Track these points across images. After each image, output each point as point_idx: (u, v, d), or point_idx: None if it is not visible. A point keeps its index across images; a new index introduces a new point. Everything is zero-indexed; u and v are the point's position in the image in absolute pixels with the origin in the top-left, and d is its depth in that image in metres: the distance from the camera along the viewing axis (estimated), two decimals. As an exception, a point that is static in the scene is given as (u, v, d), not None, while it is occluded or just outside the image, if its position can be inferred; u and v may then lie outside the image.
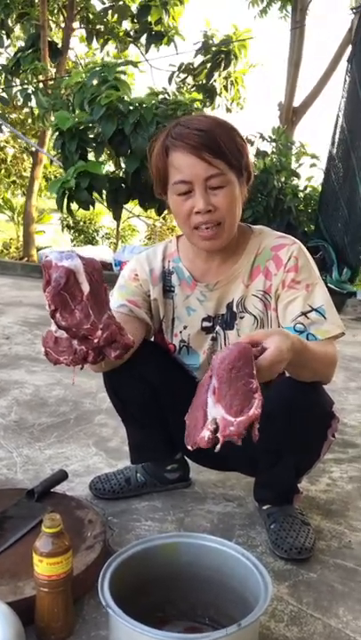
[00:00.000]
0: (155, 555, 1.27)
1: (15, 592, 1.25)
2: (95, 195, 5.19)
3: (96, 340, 1.15)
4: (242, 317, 1.54)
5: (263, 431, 1.47)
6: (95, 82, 5.10)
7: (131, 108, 4.86)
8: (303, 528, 1.57)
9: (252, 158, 1.48)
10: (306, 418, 1.43)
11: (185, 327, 1.60)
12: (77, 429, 2.35)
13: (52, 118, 5.43)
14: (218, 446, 1.10)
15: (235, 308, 1.54)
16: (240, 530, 1.66)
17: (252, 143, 5.86)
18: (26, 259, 8.70)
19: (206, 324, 1.58)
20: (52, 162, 5.95)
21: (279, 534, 1.54)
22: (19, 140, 10.06)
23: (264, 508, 1.65)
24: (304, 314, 1.44)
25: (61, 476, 1.74)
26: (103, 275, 1.20)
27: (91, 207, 5.18)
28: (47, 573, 1.17)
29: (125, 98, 4.93)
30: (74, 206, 5.21)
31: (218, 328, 1.57)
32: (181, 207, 1.41)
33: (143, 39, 8.19)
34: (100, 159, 5.45)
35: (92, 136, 5.22)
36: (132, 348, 1.21)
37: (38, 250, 9.17)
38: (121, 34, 8.46)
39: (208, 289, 1.55)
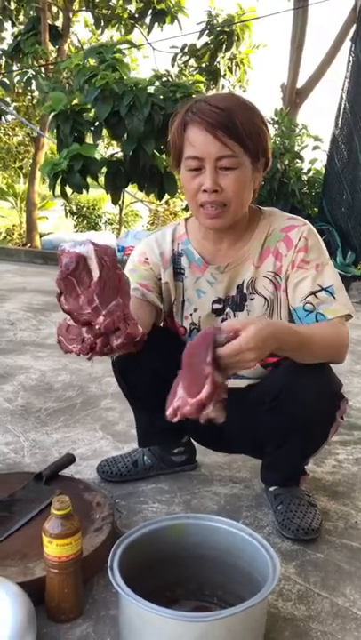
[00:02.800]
0: (162, 536, 1.28)
1: (25, 573, 1.26)
2: (91, 179, 5.14)
3: (97, 327, 1.15)
4: (252, 299, 1.54)
5: (270, 412, 1.48)
6: (93, 62, 5.04)
7: (126, 89, 4.79)
8: (310, 509, 1.58)
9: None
10: (314, 400, 1.43)
11: (195, 310, 1.60)
12: (84, 413, 2.36)
13: (47, 102, 5.36)
14: (176, 419, 1.18)
15: (245, 290, 1.54)
16: (247, 511, 1.67)
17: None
18: (29, 245, 8.68)
19: (217, 305, 1.57)
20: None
21: (286, 515, 1.56)
22: (24, 128, 10.00)
23: (271, 489, 1.66)
24: (313, 293, 1.44)
25: (69, 460, 1.75)
26: (118, 262, 1.18)
27: (84, 191, 5.12)
28: (57, 554, 1.18)
29: (124, 77, 4.86)
30: (68, 190, 5.16)
31: (228, 310, 1.57)
32: (190, 183, 1.41)
33: (147, 20, 8.07)
34: (99, 142, 5.39)
35: (89, 118, 5.16)
36: (137, 340, 1.20)
37: (41, 236, 9.15)
38: (125, 16, 8.34)
39: (218, 271, 1.55)
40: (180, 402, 1.17)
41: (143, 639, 1.09)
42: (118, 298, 1.17)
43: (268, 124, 1.45)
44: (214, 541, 1.29)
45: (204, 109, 1.35)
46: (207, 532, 1.29)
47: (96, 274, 1.14)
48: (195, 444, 1.88)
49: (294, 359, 1.39)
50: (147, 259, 1.59)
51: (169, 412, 1.19)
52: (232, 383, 1.63)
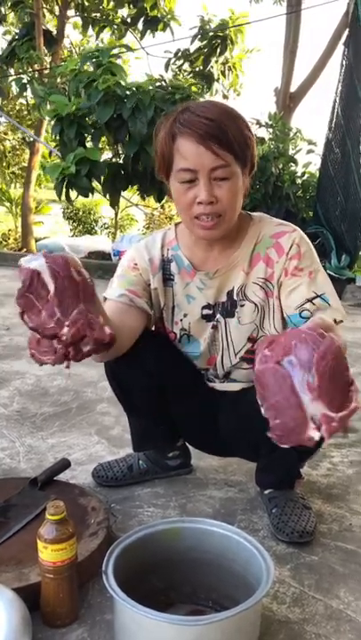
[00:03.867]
0: (158, 540, 1.28)
1: (20, 578, 1.27)
2: (96, 182, 5.16)
3: (64, 338, 1.15)
4: (242, 305, 1.54)
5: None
6: (89, 67, 5.06)
7: (128, 92, 4.82)
8: (305, 512, 1.58)
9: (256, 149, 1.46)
10: None
11: (185, 315, 1.60)
12: (79, 418, 2.37)
13: (49, 107, 5.36)
14: (325, 444, 1.08)
15: (235, 297, 1.55)
16: (242, 514, 1.68)
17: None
18: (24, 250, 8.67)
19: (206, 311, 1.58)
20: (50, 153, 5.93)
21: (281, 518, 1.56)
22: (17, 132, 9.99)
23: (266, 492, 1.67)
24: (309, 300, 1.45)
25: (64, 465, 1.75)
26: (74, 269, 1.17)
27: (90, 194, 5.14)
28: (52, 560, 1.19)
29: (122, 82, 4.88)
30: (73, 194, 5.18)
31: (218, 316, 1.57)
32: (184, 196, 1.41)
33: (140, 25, 8.09)
34: (98, 146, 5.40)
35: (89, 122, 5.18)
36: (106, 342, 1.19)
37: (37, 241, 9.13)
38: (117, 21, 8.37)
39: (208, 277, 1.55)
40: (324, 420, 1.03)
41: (138, 643, 1.09)
42: (80, 305, 1.17)
43: (259, 127, 1.46)
44: (209, 545, 1.29)
45: (194, 121, 1.35)
46: (202, 536, 1.30)
47: (52, 286, 1.15)
48: (190, 447, 1.88)
49: None
50: (136, 264, 1.60)
51: (310, 438, 1.04)
52: (226, 387, 1.64)
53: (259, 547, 1.21)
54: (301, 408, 1.05)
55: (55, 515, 1.19)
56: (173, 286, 1.60)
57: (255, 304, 1.53)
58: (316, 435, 1.04)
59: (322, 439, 1.04)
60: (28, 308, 1.16)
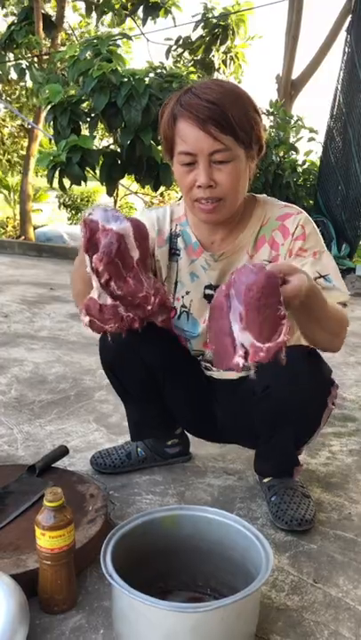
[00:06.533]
0: (156, 527, 1.28)
1: (18, 565, 1.26)
2: (88, 170, 5.12)
3: (149, 307, 1.11)
4: None
5: (262, 402, 1.48)
6: (89, 55, 5.00)
7: (123, 80, 4.77)
8: (304, 500, 1.58)
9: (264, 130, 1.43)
10: (306, 385, 1.42)
11: (187, 292, 1.59)
12: (78, 406, 2.36)
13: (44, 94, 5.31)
14: (252, 372, 1.13)
15: None
16: (240, 503, 1.67)
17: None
18: (23, 237, 8.64)
19: (209, 291, 1.57)
20: (50, 140, 5.86)
21: (280, 506, 1.56)
22: (15, 119, 9.90)
23: (265, 480, 1.66)
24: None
25: (62, 452, 1.74)
26: (149, 239, 1.15)
27: (83, 183, 5.10)
28: (49, 546, 1.18)
29: (119, 69, 4.83)
30: (66, 182, 5.14)
31: None
32: (184, 178, 1.39)
33: (140, 12, 8.01)
34: (95, 133, 5.35)
35: (85, 110, 5.14)
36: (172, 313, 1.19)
37: (35, 228, 9.09)
38: (117, 6, 8.27)
39: (213, 259, 1.54)
40: (252, 349, 1.10)
41: (136, 630, 1.09)
42: (150, 272, 1.14)
43: (260, 111, 1.43)
44: (208, 533, 1.28)
45: (194, 103, 1.33)
46: (201, 524, 1.29)
47: (136, 254, 1.09)
48: (188, 435, 1.87)
49: (309, 329, 1.36)
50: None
51: (236, 364, 1.11)
52: (223, 375, 1.63)
53: (258, 534, 1.20)
54: (231, 335, 1.11)
55: (53, 501, 1.18)
56: (178, 261, 1.58)
57: None
58: (240, 361, 1.10)
59: None
60: (115, 274, 1.09)
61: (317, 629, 1.21)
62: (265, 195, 1.58)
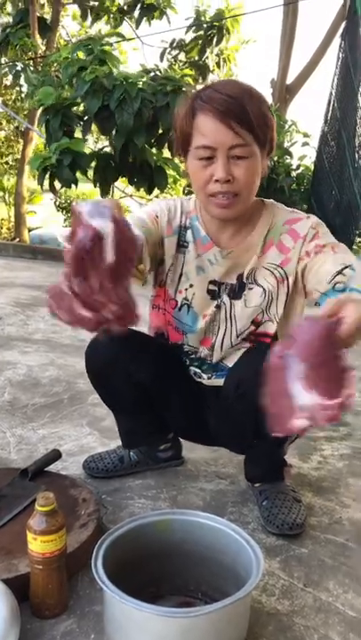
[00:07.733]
0: (148, 531, 1.28)
1: (10, 569, 1.26)
2: (80, 173, 5.11)
3: (108, 316, 1.10)
4: (251, 289, 1.54)
5: (238, 402, 1.46)
6: (82, 55, 5.01)
7: (116, 83, 4.78)
8: (295, 504, 1.59)
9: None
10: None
11: (191, 285, 1.59)
12: (71, 409, 2.36)
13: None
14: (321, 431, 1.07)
15: (245, 279, 1.54)
16: (232, 507, 1.68)
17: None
18: (17, 239, 8.62)
19: (212, 287, 1.57)
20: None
21: (271, 511, 1.56)
22: (12, 122, 9.88)
23: (256, 485, 1.67)
24: (339, 272, 1.40)
25: (55, 456, 1.74)
26: (135, 246, 1.09)
27: (73, 186, 5.10)
28: (41, 551, 1.18)
29: (113, 70, 4.84)
30: (57, 185, 5.14)
31: (224, 297, 1.56)
32: (201, 173, 1.40)
33: (136, 13, 8.02)
34: (90, 136, 5.36)
35: (79, 112, 5.14)
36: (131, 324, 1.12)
37: (30, 230, 9.09)
38: (114, 9, 8.29)
39: (221, 255, 1.55)
40: (318, 408, 1.02)
41: (127, 635, 1.09)
42: (126, 281, 1.08)
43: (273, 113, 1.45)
44: (199, 537, 1.29)
45: (215, 97, 1.34)
46: (192, 528, 1.30)
47: (110, 256, 1.04)
48: (181, 440, 1.88)
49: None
50: (157, 217, 1.56)
51: (299, 428, 1.04)
52: (214, 382, 1.63)
53: (248, 539, 1.21)
54: (289, 397, 1.04)
55: (45, 506, 1.18)
56: (186, 254, 1.58)
57: (264, 289, 1.53)
58: (302, 423, 1.03)
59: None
60: (80, 270, 1.04)
61: (307, 633, 1.22)
62: (272, 199, 1.59)
